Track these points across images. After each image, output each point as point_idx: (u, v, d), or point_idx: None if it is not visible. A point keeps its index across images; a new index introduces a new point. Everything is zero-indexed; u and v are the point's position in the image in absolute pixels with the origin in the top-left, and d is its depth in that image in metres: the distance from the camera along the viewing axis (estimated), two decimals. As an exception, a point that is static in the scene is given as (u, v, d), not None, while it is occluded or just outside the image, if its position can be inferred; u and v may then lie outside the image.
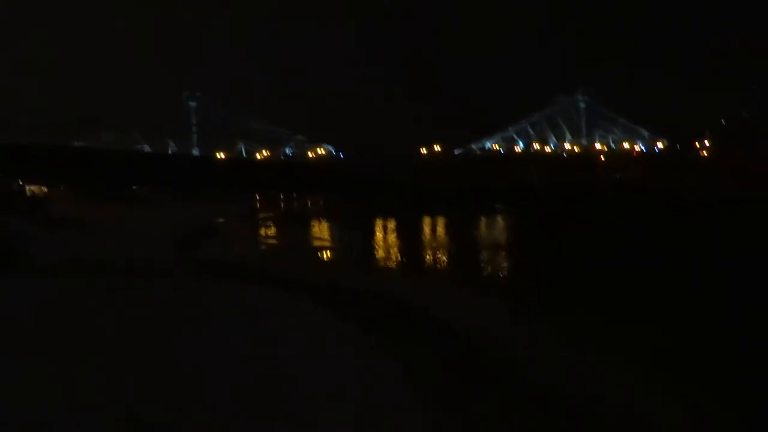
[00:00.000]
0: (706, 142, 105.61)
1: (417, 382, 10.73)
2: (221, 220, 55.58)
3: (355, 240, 42.05)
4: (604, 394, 10.76)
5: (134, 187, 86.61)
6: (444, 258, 31.94)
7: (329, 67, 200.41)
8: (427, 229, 48.94)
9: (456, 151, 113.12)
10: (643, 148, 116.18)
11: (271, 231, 51.02)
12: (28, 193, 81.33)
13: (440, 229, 49.12)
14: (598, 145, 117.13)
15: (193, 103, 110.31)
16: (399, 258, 32.24)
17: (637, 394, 10.90)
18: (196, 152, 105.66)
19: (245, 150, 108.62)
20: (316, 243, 41.74)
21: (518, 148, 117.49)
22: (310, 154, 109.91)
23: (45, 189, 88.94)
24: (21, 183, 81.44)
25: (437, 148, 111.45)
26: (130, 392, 8.93)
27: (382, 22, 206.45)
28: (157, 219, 46.91)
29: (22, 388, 8.90)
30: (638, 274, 23.53)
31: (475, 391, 10.60)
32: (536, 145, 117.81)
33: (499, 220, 56.05)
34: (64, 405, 8.39)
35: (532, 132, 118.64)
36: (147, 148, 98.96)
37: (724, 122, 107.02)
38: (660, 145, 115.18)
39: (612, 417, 9.88)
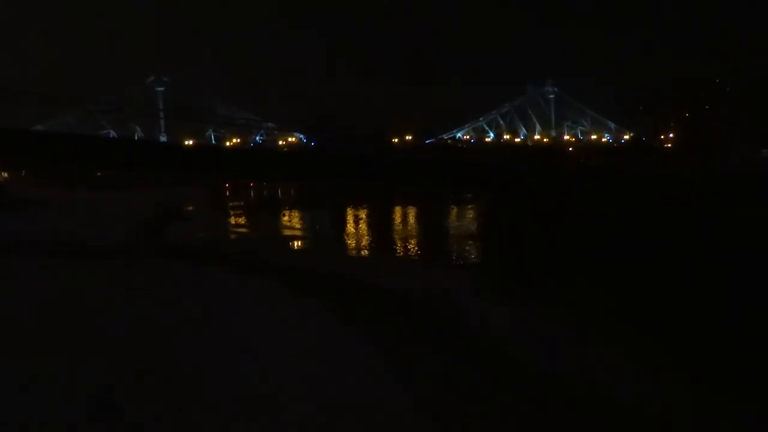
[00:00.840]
0: (671, 135, 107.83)
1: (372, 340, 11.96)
2: (188, 207, 54.77)
3: (322, 228, 41.99)
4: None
5: (98, 173, 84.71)
6: (407, 242, 32.03)
7: (301, 56, 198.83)
8: (394, 217, 49.01)
9: (426, 141, 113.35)
10: (610, 139, 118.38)
11: (239, 219, 50.40)
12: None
13: (409, 217, 49.23)
14: (566, 137, 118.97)
15: (160, 88, 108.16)
16: (360, 244, 32.36)
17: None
18: (163, 138, 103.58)
19: (214, 137, 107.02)
20: (284, 230, 41.40)
21: (488, 139, 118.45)
22: (280, 142, 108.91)
23: (4, 174, 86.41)
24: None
25: (408, 137, 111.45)
26: (96, 373, 8.71)
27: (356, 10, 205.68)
28: (120, 203, 45.99)
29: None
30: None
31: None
32: (506, 136, 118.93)
33: (468, 206, 56.40)
34: (30, 388, 8.11)
35: (502, 122, 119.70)
36: (112, 133, 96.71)
37: (687, 115, 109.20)
38: (626, 137, 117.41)
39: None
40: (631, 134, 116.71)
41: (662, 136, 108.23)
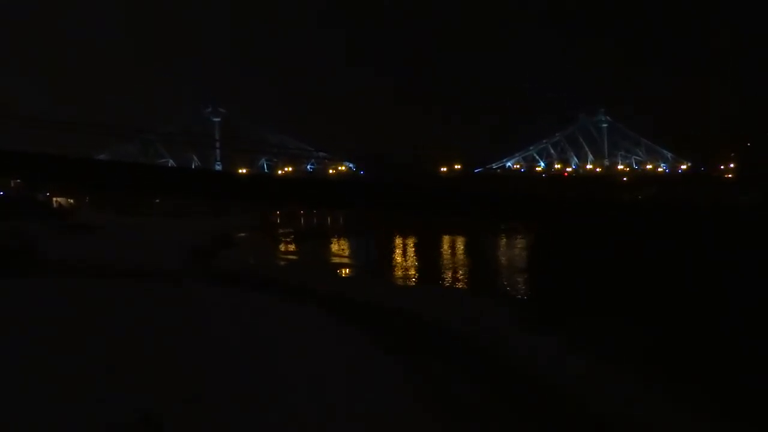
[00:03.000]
0: (731, 165, 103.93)
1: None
2: (239, 234, 56.08)
3: (370, 256, 42.27)
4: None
5: (157, 200, 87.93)
6: (456, 274, 31.80)
7: (355, 85, 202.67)
8: (442, 247, 48.80)
9: (476, 170, 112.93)
10: (666, 169, 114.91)
11: (288, 246, 51.22)
12: (54, 204, 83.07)
13: (458, 247, 48.91)
14: (620, 166, 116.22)
15: (216, 119, 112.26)
16: (405, 273, 32.36)
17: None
18: (218, 167, 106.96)
19: (267, 166, 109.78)
20: (332, 258, 41.85)
21: (539, 168, 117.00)
22: (330, 171, 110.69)
23: (71, 200, 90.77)
24: (47, 194, 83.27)
25: (457, 166, 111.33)
26: (139, 392, 9.03)
27: (414, 50, 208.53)
28: (177, 229, 47.59)
29: (26, 388, 9.03)
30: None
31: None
32: (557, 165, 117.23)
33: (518, 236, 55.63)
34: (73, 407, 8.47)
35: (552, 151, 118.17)
36: (171, 162, 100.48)
37: (749, 144, 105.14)
38: (683, 167, 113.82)
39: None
40: (689, 164, 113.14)
41: (722, 166, 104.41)
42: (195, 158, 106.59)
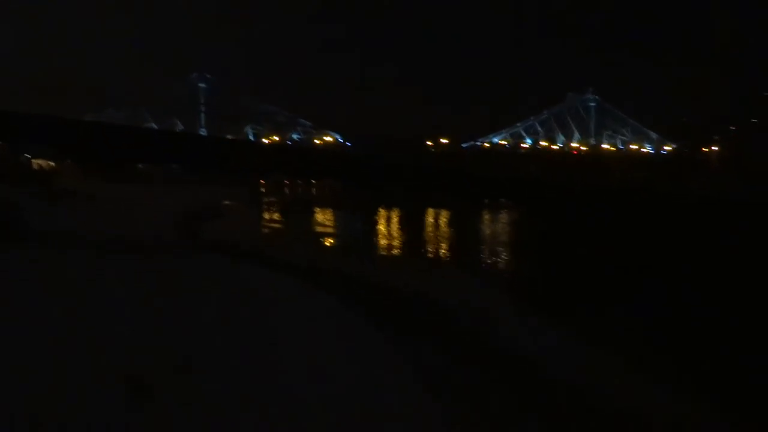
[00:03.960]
0: (715, 147, 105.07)
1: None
2: (226, 202, 55.64)
3: (355, 228, 42.31)
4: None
5: (141, 165, 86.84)
6: (439, 249, 32.02)
7: (339, 57, 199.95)
8: (429, 220, 48.99)
9: (463, 145, 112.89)
10: (651, 150, 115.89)
11: (273, 216, 51.03)
12: (35, 166, 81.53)
13: (442, 221, 49.13)
14: (606, 146, 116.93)
15: (202, 85, 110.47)
16: (387, 244, 32.63)
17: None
18: (203, 133, 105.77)
19: (252, 134, 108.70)
20: (317, 229, 41.81)
21: (525, 145, 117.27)
22: (316, 141, 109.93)
23: (52, 163, 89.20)
24: (28, 156, 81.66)
25: (444, 140, 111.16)
26: (128, 358, 9.06)
27: (392, 13, 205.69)
28: (161, 197, 47.09)
29: (19, 359, 9.00)
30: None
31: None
32: (544, 143, 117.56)
33: (503, 214, 56.03)
34: (63, 373, 8.48)
35: (540, 129, 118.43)
36: (154, 127, 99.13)
37: (733, 128, 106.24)
38: (668, 148, 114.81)
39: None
40: (673, 146, 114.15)
41: (706, 150, 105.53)
42: (179, 124, 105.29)
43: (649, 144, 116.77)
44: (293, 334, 12.07)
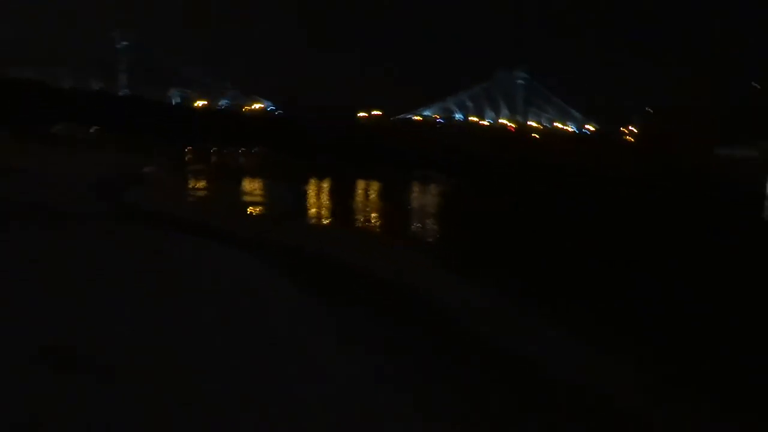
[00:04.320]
0: (633, 129, 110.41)
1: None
2: (147, 169, 53.47)
3: (282, 197, 41.85)
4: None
5: (56, 126, 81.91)
6: (364, 218, 32.22)
7: (267, 23, 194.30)
8: (358, 191, 49.08)
9: (393, 118, 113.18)
10: (574, 128, 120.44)
11: (198, 184, 49.55)
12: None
13: (371, 192, 49.34)
14: (532, 123, 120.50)
15: (123, 43, 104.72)
16: (315, 213, 32.64)
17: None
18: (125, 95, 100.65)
19: (179, 97, 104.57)
20: (244, 198, 41.00)
21: (456, 120, 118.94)
22: (245, 108, 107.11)
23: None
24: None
25: (377, 112, 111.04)
26: (45, 329, 8.66)
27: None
28: (77, 164, 44.74)
29: None
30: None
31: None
32: (474, 118, 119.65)
33: (432, 187, 56.86)
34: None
35: (470, 104, 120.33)
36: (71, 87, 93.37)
37: (650, 110, 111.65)
38: (590, 127, 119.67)
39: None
40: (596, 126, 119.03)
41: (625, 130, 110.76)
42: (98, 84, 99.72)
43: (572, 123, 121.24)
44: (195, 282, 11.93)
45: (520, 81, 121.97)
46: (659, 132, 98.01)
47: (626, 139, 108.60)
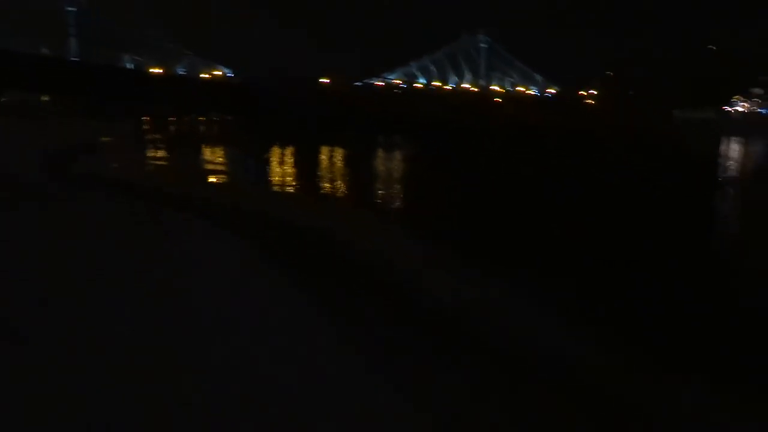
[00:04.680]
0: (593, 92, 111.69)
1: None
2: (105, 139, 51.83)
3: (244, 165, 41.28)
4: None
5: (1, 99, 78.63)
6: (334, 184, 32.00)
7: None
8: (321, 158, 48.62)
9: (357, 83, 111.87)
10: (536, 92, 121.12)
11: (157, 153, 48.32)
12: None
13: (335, 159, 48.95)
14: (495, 87, 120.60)
15: (71, 9, 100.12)
16: (279, 181, 32.32)
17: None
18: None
19: (132, 63, 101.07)
20: (205, 166, 40.24)
21: (419, 84, 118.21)
22: (203, 75, 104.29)
23: None
24: None
25: (338, 78, 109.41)
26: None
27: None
28: (29, 133, 43.19)
29: None
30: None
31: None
32: (437, 83, 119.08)
33: (396, 152, 56.69)
34: None
35: (433, 69, 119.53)
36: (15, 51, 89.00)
37: (611, 74, 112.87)
38: (552, 90, 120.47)
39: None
40: (557, 89, 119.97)
41: (584, 93, 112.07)
42: (45, 49, 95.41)
43: (534, 86, 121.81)
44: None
45: (483, 45, 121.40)
46: (618, 95, 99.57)
47: (587, 102, 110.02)
